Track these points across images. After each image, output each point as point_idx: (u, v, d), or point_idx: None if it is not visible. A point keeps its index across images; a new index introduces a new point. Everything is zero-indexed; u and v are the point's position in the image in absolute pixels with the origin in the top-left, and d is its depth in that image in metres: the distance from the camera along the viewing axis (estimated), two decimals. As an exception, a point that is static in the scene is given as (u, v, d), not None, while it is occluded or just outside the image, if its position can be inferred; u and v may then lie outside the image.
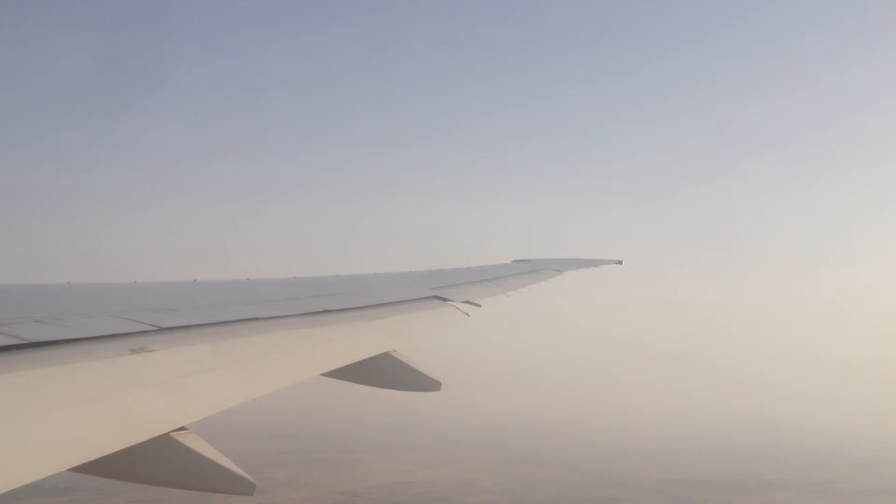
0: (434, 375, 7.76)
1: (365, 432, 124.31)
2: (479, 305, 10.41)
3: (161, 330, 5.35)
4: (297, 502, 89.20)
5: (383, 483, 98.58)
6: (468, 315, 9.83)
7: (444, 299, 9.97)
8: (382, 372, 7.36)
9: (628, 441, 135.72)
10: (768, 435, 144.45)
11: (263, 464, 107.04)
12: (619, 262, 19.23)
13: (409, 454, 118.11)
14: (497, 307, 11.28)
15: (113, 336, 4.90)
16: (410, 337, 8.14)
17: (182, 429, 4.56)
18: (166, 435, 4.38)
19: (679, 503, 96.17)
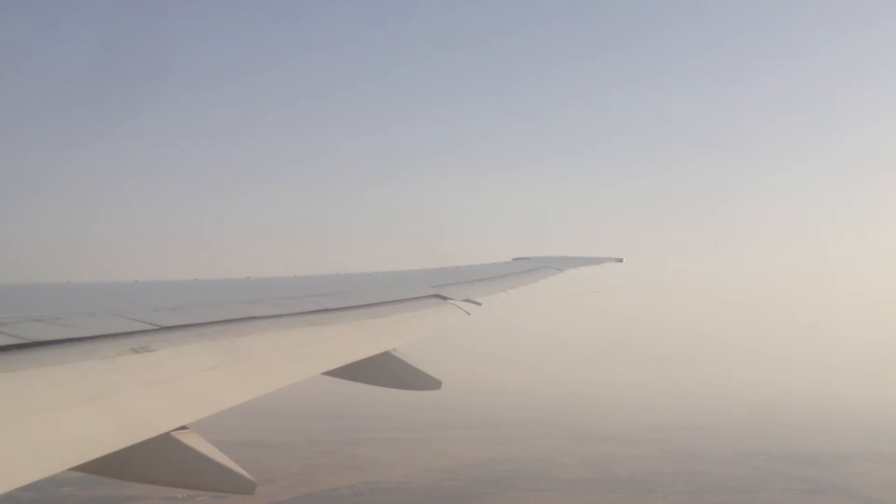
0: (435, 374, 7.76)
1: (406, 412, 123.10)
2: (479, 304, 10.39)
3: (162, 329, 5.35)
4: (400, 479, 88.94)
5: (470, 460, 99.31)
6: (469, 314, 9.82)
7: (445, 298, 9.96)
8: (383, 370, 7.36)
9: (670, 417, 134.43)
10: (796, 410, 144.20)
11: (337, 441, 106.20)
12: (620, 260, 19.19)
13: (472, 431, 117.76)
14: (498, 305, 11.27)
15: (114, 335, 4.90)
16: (411, 336, 8.13)
17: (183, 428, 4.56)
18: (167, 434, 4.39)
19: (773, 476, 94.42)
